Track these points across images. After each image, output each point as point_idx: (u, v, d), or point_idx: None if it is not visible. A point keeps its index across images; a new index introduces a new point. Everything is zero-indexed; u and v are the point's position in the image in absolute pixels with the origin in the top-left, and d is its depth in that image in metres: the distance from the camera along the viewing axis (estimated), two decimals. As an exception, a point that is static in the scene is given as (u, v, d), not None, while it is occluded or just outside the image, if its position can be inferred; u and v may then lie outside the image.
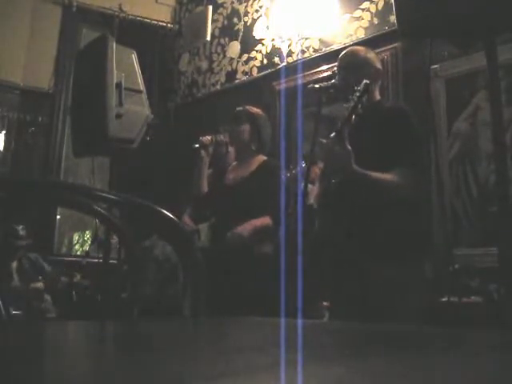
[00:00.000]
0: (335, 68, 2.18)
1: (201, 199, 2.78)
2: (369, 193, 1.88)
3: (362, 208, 1.91)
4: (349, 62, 2.09)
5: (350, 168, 1.81)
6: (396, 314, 1.76)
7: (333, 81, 2.08)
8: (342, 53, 2.17)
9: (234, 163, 2.83)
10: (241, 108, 2.78)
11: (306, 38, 3.98)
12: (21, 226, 3.80)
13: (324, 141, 1.90)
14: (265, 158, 2.71)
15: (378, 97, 2.13)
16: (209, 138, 2.79)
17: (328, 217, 2.03)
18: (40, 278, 3.81)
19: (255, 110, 2.78)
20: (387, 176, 1.86)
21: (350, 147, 1.81)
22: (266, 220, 2.52)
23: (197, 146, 2.78)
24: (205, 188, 2.76)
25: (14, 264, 3.79)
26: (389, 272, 1.82)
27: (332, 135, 1.87)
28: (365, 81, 1.88)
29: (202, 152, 2.76)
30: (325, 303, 2.69)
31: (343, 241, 1.95)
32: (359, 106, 1.85)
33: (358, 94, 1.85)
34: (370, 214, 1.90)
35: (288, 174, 2.35)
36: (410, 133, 1.94)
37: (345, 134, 1.83)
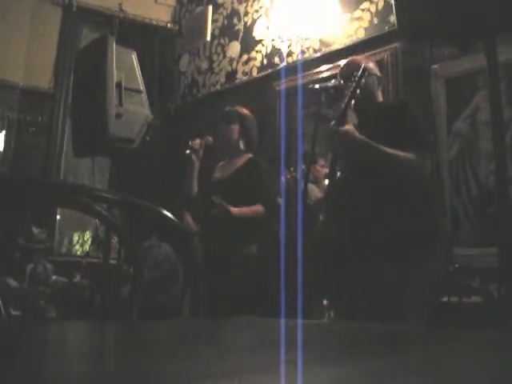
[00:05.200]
0: (335, 69, 2.20)
1: (191, 199, 2.82)
2: (382, 168, 1.89)
3: (368, 205, 1.91)
4: (349, 72, 2.12)
5: (356, 138, 1.86)
6: (398, 314, 1.76)
7: (333, 81, 2.10)
8: (343, 63, 2.23)
9: (222, 163, 2.88)
10: (230, 108, 2.85)
11: (306, 39, 3.98)
12: (39, 230, 3.75)
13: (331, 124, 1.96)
14: (251, 155, 2.77)
15: (380, 99, 2.18)
16: (198, 141, 2.83)
17: (333, 214, 2.04)
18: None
19: (244, 110, 2.85)
20: (399, 152, 1.88)
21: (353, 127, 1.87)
22: (258, 208, 2.57)
23: (188, 151, 2.82)
24: (195, 190, 2.81)
25: (30, 266, 3.75)
26: (392, 271, 1.82)
27: (335, 121, 1.92)
28: (363, 65, 1.97)
29: (193, 156, 2.80)
30: (325, 302, 2.69)
31: (347, 238, 1.95)
32: (358, 90, 1.90)
33: (356, 79, 1.92)
34: (376, 212, 1.90)
35: (288, 176, 2.36)
36: (414, 122, 1.97)
37: (347, 118, 1.88)
